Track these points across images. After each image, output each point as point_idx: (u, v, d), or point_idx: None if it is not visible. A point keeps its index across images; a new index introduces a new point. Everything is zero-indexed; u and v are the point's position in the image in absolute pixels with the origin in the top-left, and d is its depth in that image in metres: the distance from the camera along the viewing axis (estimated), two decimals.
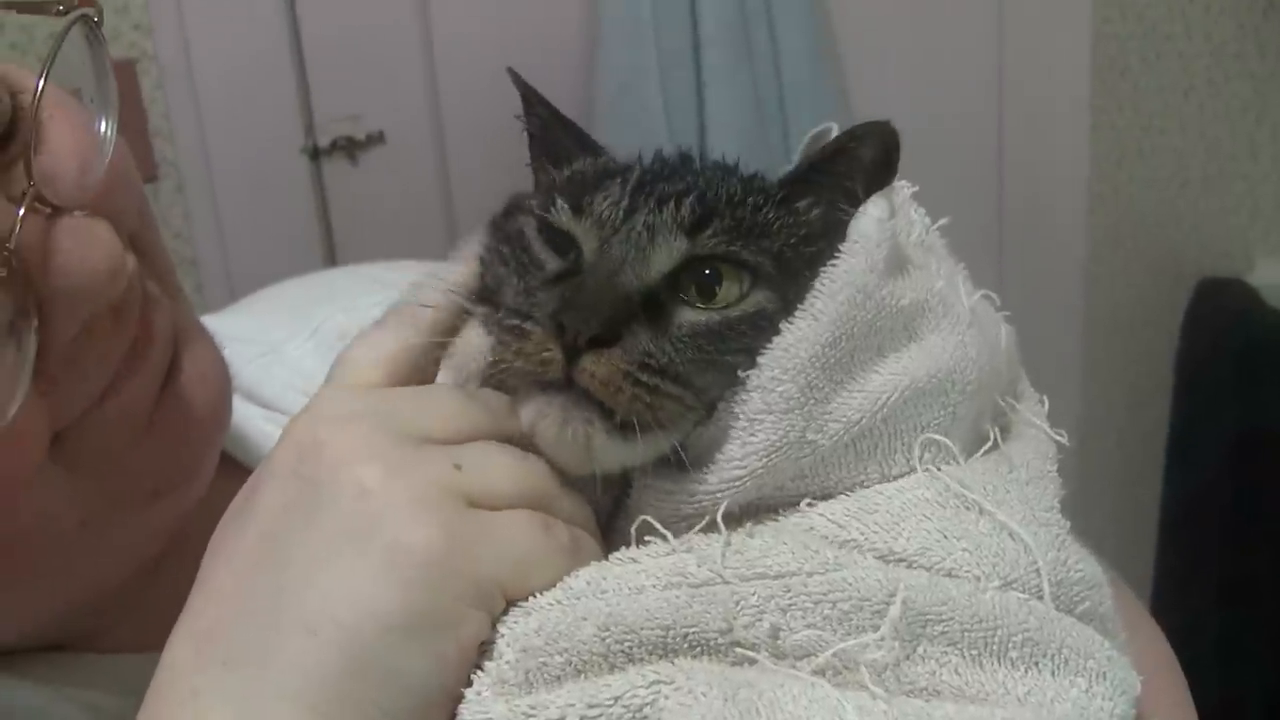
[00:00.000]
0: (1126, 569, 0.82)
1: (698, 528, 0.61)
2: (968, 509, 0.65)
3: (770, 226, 0.66)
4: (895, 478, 0.65)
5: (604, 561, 0.61)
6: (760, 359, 0.62)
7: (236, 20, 2.30)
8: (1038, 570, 0.63)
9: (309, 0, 2.34)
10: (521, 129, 0.75)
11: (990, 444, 0.69)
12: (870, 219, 0.65)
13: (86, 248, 0.66)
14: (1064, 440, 0.73)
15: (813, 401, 0.62)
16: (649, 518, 0.61)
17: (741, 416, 0.62)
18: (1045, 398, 0.75)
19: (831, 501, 0.64)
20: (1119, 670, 0.63)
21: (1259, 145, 2.16)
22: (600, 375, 0.61)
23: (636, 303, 0.62)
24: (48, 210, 0.65)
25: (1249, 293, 2.10)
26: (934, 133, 2.38)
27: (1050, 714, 0.60)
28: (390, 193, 2.40)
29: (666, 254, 0.64)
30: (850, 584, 0.59)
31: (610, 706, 0.54)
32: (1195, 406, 2.21)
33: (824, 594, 0.59)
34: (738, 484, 0.62)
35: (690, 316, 0.63)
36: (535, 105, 0.74)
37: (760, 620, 0.58)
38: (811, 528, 0.63)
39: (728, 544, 0.60)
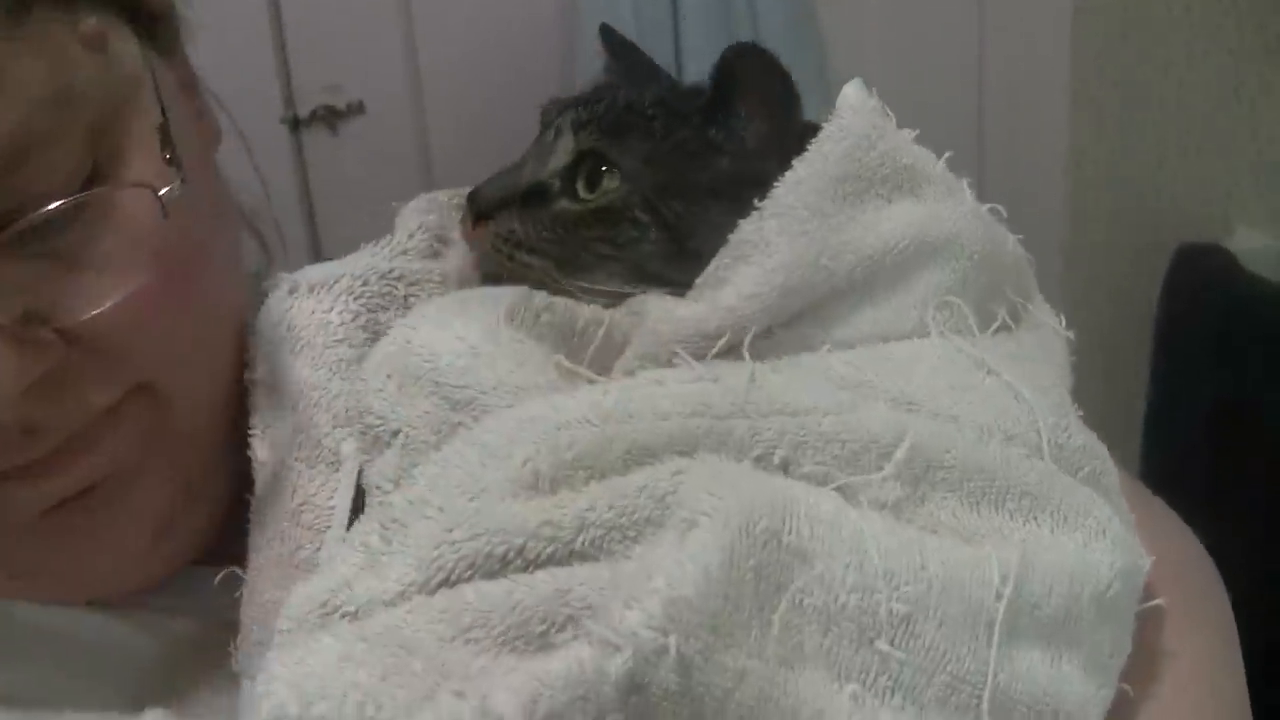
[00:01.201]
0: None
1: (717, 350, 0.64)
2: (977, 368, 0.68)
3: (656, 134, 0.74)
4: (909, 335, 0.69)
5: (632, 380, 0.64)
6: (774, 190, 0.67)
7: None
8: (1038, 430, 0.66)
9: None
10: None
11: (998, 324, 0.72)
12: (852, 92, 0.70)
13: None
14: (1071, 338, 0.77)
15: (826, 229, 0.67)
16: (678, 349, 0.65)
17: (759, 242, 0.66)
18: (1062, 315, 0.78)
19: (850, 350, 0.67)
20: (1120, 532, 0.65)
21: (1237, 116, 2.18)
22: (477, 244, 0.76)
23: (519, 190, 0.75)
24: None
25: (1227, 258, 2.11)
26: (914, 107, 2.39)
27: (1041, 559, 0.61)
28: (371, 162, 2.40)
29: (563, 151, 0.75)
30: (861, 425, 0.62)
31: (636, 497, 0.56)
32: (1174, 373, 2.22)
33: (835, 433, 0.61)
34: (757, 299, 0.65)
35: (561, 205, 0.74)
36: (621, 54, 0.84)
37: (773, 454, 0.60)
38: (830, 369, 0.66)
39: (751, 379, 0.62)
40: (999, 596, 0.59)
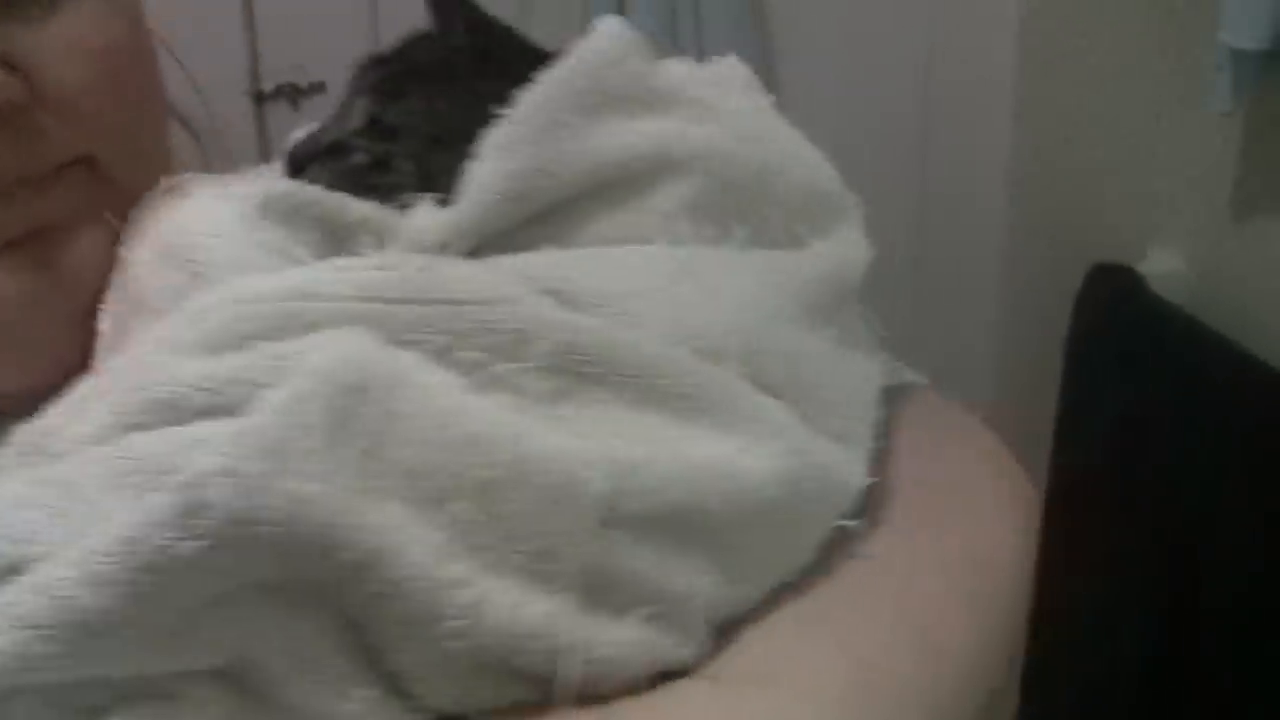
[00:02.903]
0: None
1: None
2: (687, 276, 0.71)
3: (431, 94, 0.79)
4: (637, 242, 0.73)
5: (324, 264, 0.70)
6: (517, 101, 0.72)
7: None
8: (725, 338, 0.69)
9: None
10: None
11: (742, 240, 0.75)
12: (611, 21, 0.76)
13: None
14: (869, 258, 0.80)
15: (557, 138, 0.72)
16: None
17: (496, 147, 0.71)
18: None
19: (564, 252, 0.72)
20: (801, 442, 0.69)
21: (1157, 140, 2.24)
22: None
23: (321, 147, 0.79)
24: None
25: (1135, 280, 2.17)
26: (860, 107, 2.48)
27: (671, 453, 0.66)
28: None
29: (359, 112, 0.79)
30: (519, 317, 0.66)
31: (282, 360, 0.62)
32: (1081, 389, 2.28)
33: (493, 323, 0.65)
34: (479, 205, 0.70)
35: (354, 159, 0.78)
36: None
37: (432, 339, 0.65)
38: (528, 266, 0.70)
39: (423, 268, 0.67)
40: (606, 478, 0.62)
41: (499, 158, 0.71)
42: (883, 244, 0.80)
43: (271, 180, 0.77)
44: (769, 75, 2.44)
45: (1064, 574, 2.32)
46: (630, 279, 0.70)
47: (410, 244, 0.70)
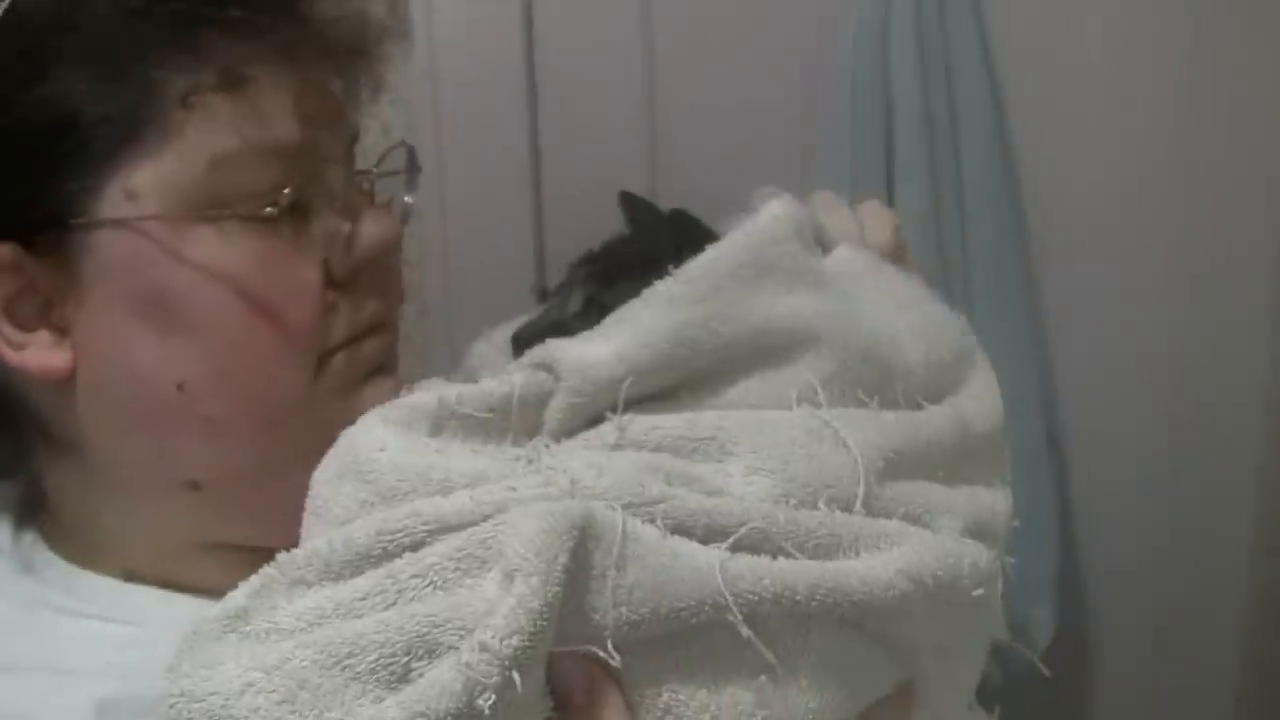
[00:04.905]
0: None
1: (625, 393, 0.77)
2: (825, 437, 0.78)
3: (638, 280, 0.84)
4: (780, 407, 0.79)
5: (487, 487, 0.72)
6: (687, 264, 0.80)
7: None
8: (851, 483, 0.77)
9: None
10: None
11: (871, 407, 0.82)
12: (777, 204, 0.84)
13: (388, 218, 0.92)
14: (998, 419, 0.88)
15: (721, 301, 0.79)
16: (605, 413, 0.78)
17: (665, 296, 0.79)
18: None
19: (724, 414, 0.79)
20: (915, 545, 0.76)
21: None
22: None
23: (544, 328, 0.88)
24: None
25: None
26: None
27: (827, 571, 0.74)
28: None
29: (576, 299, 0.89)
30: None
31: (472, 544, 0.68)
32: None
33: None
34: (648, 348, 0.77)
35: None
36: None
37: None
38: (679, 431, 0.77)
39: (570, 485, 0.71)
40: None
41: (668, 310, 0.78)
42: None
43: (427, 390, 0.81)
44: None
45: None
46: (777, 437, 0.77)
47: (580, 382, 0.77)
